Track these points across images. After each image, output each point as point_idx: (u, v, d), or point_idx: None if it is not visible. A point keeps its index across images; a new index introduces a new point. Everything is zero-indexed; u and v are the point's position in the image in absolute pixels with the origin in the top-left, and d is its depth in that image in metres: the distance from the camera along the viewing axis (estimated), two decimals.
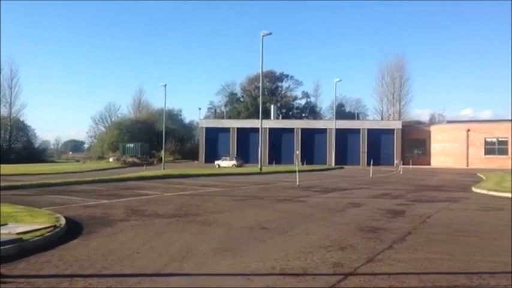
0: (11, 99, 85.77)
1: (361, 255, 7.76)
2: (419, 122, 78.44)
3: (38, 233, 8.56)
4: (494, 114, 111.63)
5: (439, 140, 60.93)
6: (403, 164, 49.97)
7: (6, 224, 9.35)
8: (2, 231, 8.54)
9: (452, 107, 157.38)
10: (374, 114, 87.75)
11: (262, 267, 6.93)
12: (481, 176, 33.20)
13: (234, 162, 54.44)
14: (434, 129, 63.64)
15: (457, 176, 35.44)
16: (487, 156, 55.66)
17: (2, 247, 7.39)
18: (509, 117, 62.04)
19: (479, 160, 55.52)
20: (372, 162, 40.81)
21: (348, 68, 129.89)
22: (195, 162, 64.18)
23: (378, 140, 61.92)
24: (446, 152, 59.26)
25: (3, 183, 21.60)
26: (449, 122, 67.62)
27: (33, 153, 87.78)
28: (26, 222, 9.71)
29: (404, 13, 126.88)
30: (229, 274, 6.61)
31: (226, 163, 54.05)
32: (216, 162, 55.03)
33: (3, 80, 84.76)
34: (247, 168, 42.75)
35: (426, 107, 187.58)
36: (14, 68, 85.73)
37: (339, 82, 60.76)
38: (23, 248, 7.71)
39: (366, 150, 61.19)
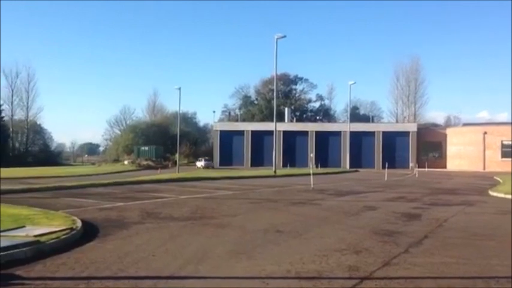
0: (28, 103, 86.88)
1: (377, 259, 7.70)
2: (434, 125, 77.88)
3: (54, 236, 8.63)
4: (510, 117, 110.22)
5: (455, 143, 60.38)
6: (419, 167, 49.60)
7: (23, 227, 9.45)
8: (19, 234, 8.64)
9: (468, 110, 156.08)
10: (389, 117, 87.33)
11: (277, 270, 6.91)
12: (498, 179, 32.83)
13: (202, 163, 60.29)
14: (450, 132, 63.10)
15: (474, 179, 35.09)
16: (504, 159, 54.97)
17: (19, 249, 7.47)
18: None
19: (495, 163, 54.89)
20: (386, 165, 40.55)
21: (362, 70, 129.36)
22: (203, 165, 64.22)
23: (392, 142, 61.51)
24: (462, 155, 58.71)
25: (20, 186, 21.88)
26: (465, 124, 66.99)
27: (50, 156, 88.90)
28: (43, 225, 9.80)
29: (419, 15, 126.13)
30: (245, 277, 6.60)
31: (199, 164, 61.04)
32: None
33: (20, 83, 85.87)
34: (262, 171, 42.72)
35: (442, 109, 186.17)
36: (31, 72, 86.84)
37: (353, 85, 60.59)
38: (40, 250, 7.78)
39: (380, 153, 60.82)
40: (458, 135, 60.88)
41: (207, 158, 63.18)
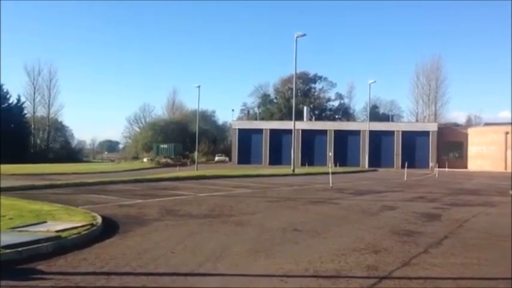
0: (49, 100, 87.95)
1: (396, 258, 7.65)
2: (456, 124, 77.03)
3: (75, 231, 8.74)
4: None
5: (476, 143, 59.65)
6: (439, 167, 49.08)
7: (45, 222, 9.59)
8: (41, 229, 8.76)
9: (490, 109, 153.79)
10: (409, 116, 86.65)
11: (295, 269, 6.91)
12: None
13: (216, 158, 67.78)
14: (471, 132, 62.35)
15: (495, 180, 34.62)
16: None
17: (41, 244, 7.58)
18: None
19: None
20: (406, 165, 40.22)
21: (382, 69, 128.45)
22: (228, 163, 64.43)
23: (412, 142, 61.00)
24: (484, 155, 57.98)
25: (42, 182, 22.20)
26: (486, 124, 66.13)
27: (70, 153, 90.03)
28: (64, 220, 9.92)
29: (441, 13, 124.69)
30: (263, 275, 6.60)
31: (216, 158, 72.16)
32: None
33: (41, 81, 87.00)
34: (280, 169, 42.67)
35: (463, 109, 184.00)
36: (53, 70, 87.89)
37: (373, 83, 60.15)
38: (61, 246, 7.88)
39: (400, 152, 60.34)
40: (479, 135, 60.14)
41: (220, 154, 77.38)
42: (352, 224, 11.62)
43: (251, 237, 9.47)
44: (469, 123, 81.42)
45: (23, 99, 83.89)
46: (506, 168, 54.52)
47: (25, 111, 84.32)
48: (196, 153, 53.84)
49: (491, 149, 57.17)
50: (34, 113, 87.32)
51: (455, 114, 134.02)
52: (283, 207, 15.08)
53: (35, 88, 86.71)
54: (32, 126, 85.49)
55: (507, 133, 56.18)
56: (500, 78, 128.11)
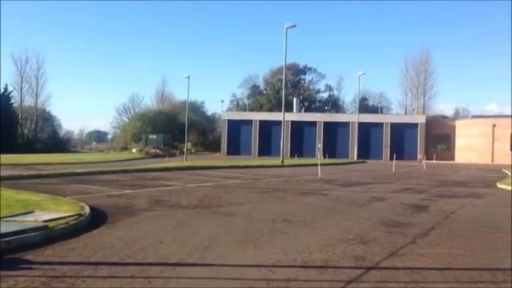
0: (37, 90, 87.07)
1: (384, 249, 7.72)
2: (443, 117, 77.39)
3: (63, 221, 8.71)
4: None
5: (464, 135, 60.02)
6: (427, 159, 49.43)
7: (32, 212, 9.54)
8: (28, 219, 8.72)
9: (477, 102, 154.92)
10: (398, 108, 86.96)
11: (284, 259, 6.94)
12: (507, 171, 32.65)
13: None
14: (459, 124, 62.72)
15: (482, 172, 34.92)
16: None
17: (28, 234, 7.55)
18: None
19: (504, 155, 54.47)
20: (395, 157, 40.42)
21: (371, 61, 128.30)
22: (217, 154, 64.40)
23: (401, 134, 61.24)
24: (471, 147, 58.36)
25: (29, 172, 22.05)
26: (474, 116, 66.55)
27: (58, 143, 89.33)
28: (51, 210, 9.88)
29: (430, 6, 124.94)
30: (252, 265, 6.62)
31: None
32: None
33: (29, 70, 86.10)
34: (269, 160, 42.71)
35: (450, 101, 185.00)
36: (41, 59, 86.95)
37: (362, 75, 60.23)
38: (49, 236, 7.85)
39: (388, 144, 60.61)
40: (467, 127, 60.50)
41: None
42: (341, 214, 11.69)
43: (240, 227, 9.49)
44: (457, 116, 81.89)
45: (10, 88, 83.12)
46: (493, 161, 55.00)
47: (12, 101, 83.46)
48: (185, 143, 53.65)
49: (478, 141, 57.56)
50: (21, 102, 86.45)
51: (443, 107, 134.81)
52: (272, 198, 15.12)
53: (22, 77, 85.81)
54: (20, 116, 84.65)
55: (494, 125, 56.61)
56: (487, 72, 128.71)
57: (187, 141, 58.00)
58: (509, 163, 45.56)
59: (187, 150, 54.74)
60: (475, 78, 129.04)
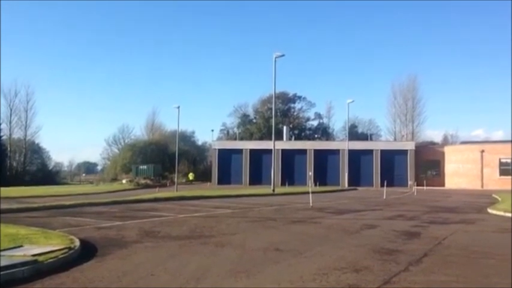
0: (26, 122, 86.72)
1: (377, 277, 7.68)
2: (432, 143, 77.96)
3: (52, 255, 8.59)
4: (506, 135, 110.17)
5: (453, 161, 60.38)
6: (417, 185, 49.54)
7: (21, 246, 9.41)
8: (17, 253, 8.59)
9: (464, 128, 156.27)
10: (387, 135, 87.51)
11: None
12: (496, 197, 32.78)
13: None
14: (448, 150, 63.15)
15: (472, 198, 35.03)
16: (502, 177, 54.94)
17: (17, 269, 7.43)
18: None
19: (494, 181, 54.84)
20: (385, 184, 40.48)
21: (360, 88, 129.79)
22: (208, 184, 64.16)
23: (391, 160, 61.49)
24: (460, 173, 58.67)
25: (19, 205, 21.80)
26: (463, 142, 67.12)
27: (47, 175, 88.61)
28: (41, 244, 9.75)
29: (417, 34, 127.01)
30: None
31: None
32: None
33: (18, 103, 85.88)
34: (260, 189, 42.59)
35: (439, 127, 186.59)
36: (30, 91, 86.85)
37: (351, 103, 60.74)
38: (38, 270, 7.74)
39: (379, 171, 60.78)
40: (456, 153, 60.91)
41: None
42: (333, 243, 11.64)
43: (232, 258, 9.41)
44: (446, 142, 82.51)
45: None
46: (482, 186, 55.24)
47: (1, 134, 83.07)
48: (176, 174, 53.36)
49: (467, 167, 57.91)
50: (10, 135, 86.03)
51: (432, 133, 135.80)
52: (264, 227, 15.04)
53: (11, 110, 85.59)
54: (9, 149, 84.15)
55: (483, 151, 57.05)
56: (474, 98, 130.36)
57: (178, 171, 57.72)
58: (499, 188, 45.85)
59: (178, 180, 54.45)
60: (462, 103, 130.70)
